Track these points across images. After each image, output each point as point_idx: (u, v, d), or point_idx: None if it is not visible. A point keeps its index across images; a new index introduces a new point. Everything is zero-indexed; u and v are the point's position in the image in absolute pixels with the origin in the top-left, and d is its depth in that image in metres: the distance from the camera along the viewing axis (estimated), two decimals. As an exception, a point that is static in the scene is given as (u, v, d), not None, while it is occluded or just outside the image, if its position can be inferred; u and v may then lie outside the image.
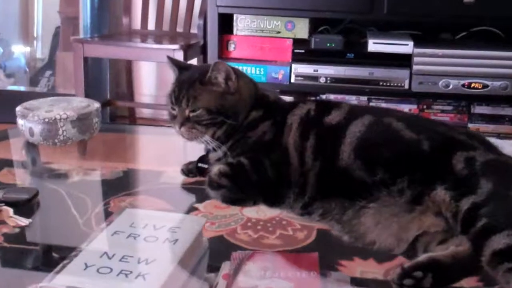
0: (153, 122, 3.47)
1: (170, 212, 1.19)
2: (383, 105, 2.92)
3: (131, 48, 2.95)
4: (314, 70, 2.84)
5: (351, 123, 1.15)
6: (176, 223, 1.04)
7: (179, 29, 3.23)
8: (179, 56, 2.72)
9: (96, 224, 1.13)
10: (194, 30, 3.20)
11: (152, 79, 3.60)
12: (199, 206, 1.23)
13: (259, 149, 1.19)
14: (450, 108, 2.96)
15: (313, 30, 3.02)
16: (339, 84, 2.85)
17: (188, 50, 2.83)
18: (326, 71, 2.84)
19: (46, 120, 1.43)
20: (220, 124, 1.21)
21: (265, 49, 2.94)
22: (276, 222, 1.15)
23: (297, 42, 2.92)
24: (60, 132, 1.44)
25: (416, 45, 2.79)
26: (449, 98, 2.90)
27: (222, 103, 1.20)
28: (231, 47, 2.95)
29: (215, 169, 1.19)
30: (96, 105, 1.52)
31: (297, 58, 2.87)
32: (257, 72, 2.86)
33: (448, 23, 2.96)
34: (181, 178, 1.36)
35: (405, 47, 2.81)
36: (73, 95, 3.07)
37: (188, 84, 1.21)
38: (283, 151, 1.17)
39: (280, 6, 2.82)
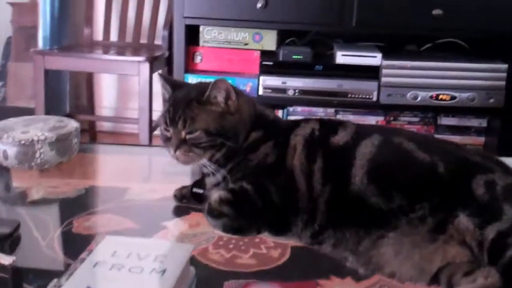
0: (113, 135, 3.34)
1: (155, 239, 1.10)
2: (351, 117, 2.90)
3: (94, 60, 2.85)
4: (283, 82, 2.79)
5: (360, 143, 1.09)
6: (162, 251, 0.95)
7: (143, 40, 3.13)
8: (146, 68, 2.62)
9: (58, 246, 1.05)
10: (157, 41, 3.10)
11: (112, 91, 3.47)
12: (168, 224, 1.17)
13: (262, 173, 1.11)
14: (417, 119, 2.96)
15: (281, 42, 2.96)
16: (308, 96, 2.80)
17: (153, 62, 2.74)
18: (295, 83, 2.79)
19: (23, 142, 1.31)
20: (219, 146, 1.12)
21: (232, 61, 2.87)
22: (248, 240, 1.09)
23: (265, 54, 2.86)
24: (37, 154, 1.32)
25: (385, 57, 2.78)
26: (418, 109, 2.90)
27: (222, 124, 1.13)
28: (198, 59, 2.86)
29: (215, 195, 1.10)
30: (75, 124, 1.41)
31: (265, 70, 2.81)
32: (225, 84, 2.78)
33: (417, 35, 2.95)
34: (147, 195, 1.29)
35: (374, 59, 2.79)
36: (29, 108, 2.96)
37: (185, 103, 1.13)
38: (288, 175, 1.10)
39: (248, 17, 2.74)
